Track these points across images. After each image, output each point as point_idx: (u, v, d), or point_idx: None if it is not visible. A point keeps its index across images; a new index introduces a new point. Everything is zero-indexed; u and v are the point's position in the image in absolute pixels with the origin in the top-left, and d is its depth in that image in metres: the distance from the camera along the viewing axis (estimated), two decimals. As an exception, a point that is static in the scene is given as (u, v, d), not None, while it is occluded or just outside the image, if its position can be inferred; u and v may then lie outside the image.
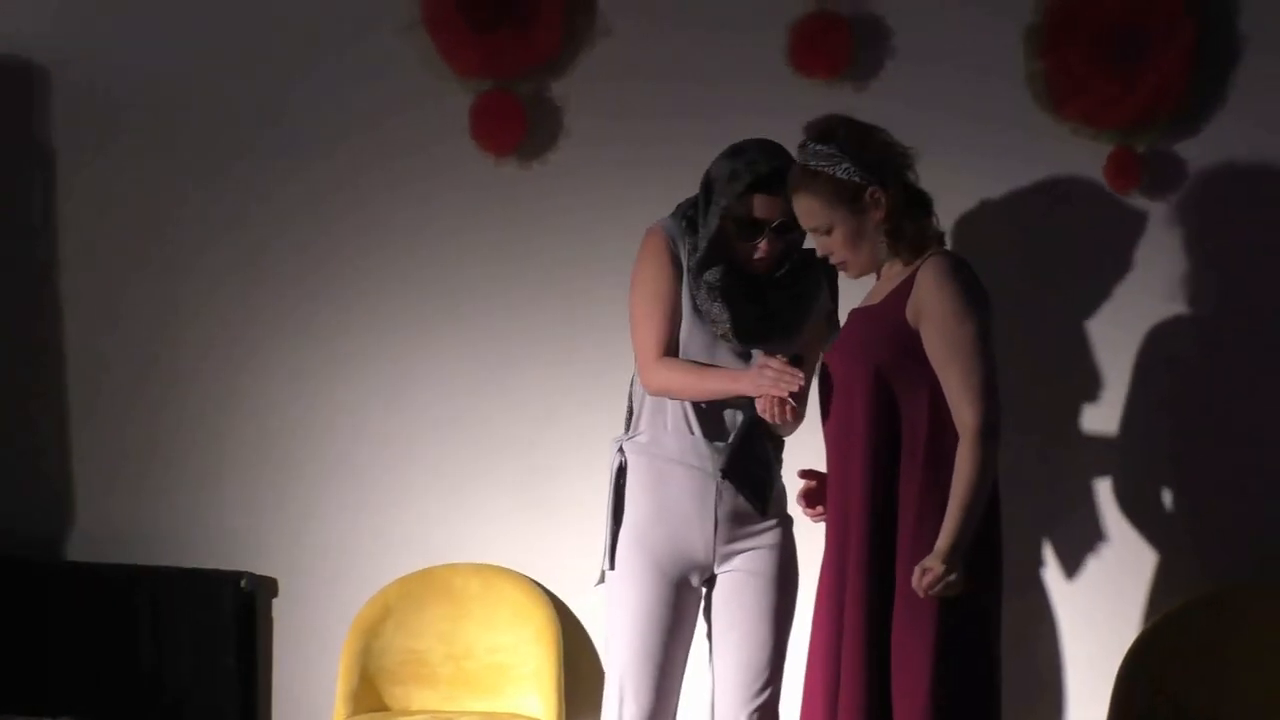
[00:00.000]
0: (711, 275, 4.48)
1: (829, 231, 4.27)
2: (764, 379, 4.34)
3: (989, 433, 4.09)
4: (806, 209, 4.27)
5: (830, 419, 4.32)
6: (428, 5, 5.34)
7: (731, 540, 4.58)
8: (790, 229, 4.46)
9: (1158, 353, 5.09)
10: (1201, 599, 5.03)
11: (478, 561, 5.42)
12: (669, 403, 4.57)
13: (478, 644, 5.35)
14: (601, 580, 4.65)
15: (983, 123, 5.09)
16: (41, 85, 5.63)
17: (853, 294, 4.56)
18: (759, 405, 4.40)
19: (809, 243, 4.46)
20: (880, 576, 4.16)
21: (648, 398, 4.60)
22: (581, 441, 5.30)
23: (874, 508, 4.18)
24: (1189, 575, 5.10)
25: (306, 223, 5.54)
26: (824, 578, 4.32)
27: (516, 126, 5.36)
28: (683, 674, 4.61)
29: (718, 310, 4.49)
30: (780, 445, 4.63)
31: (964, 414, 4.10)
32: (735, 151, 4.52)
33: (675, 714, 4.62)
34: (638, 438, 4.61)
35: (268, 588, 5.58)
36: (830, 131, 4.24)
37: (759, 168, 4.44)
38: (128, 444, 5.67)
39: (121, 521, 5.66)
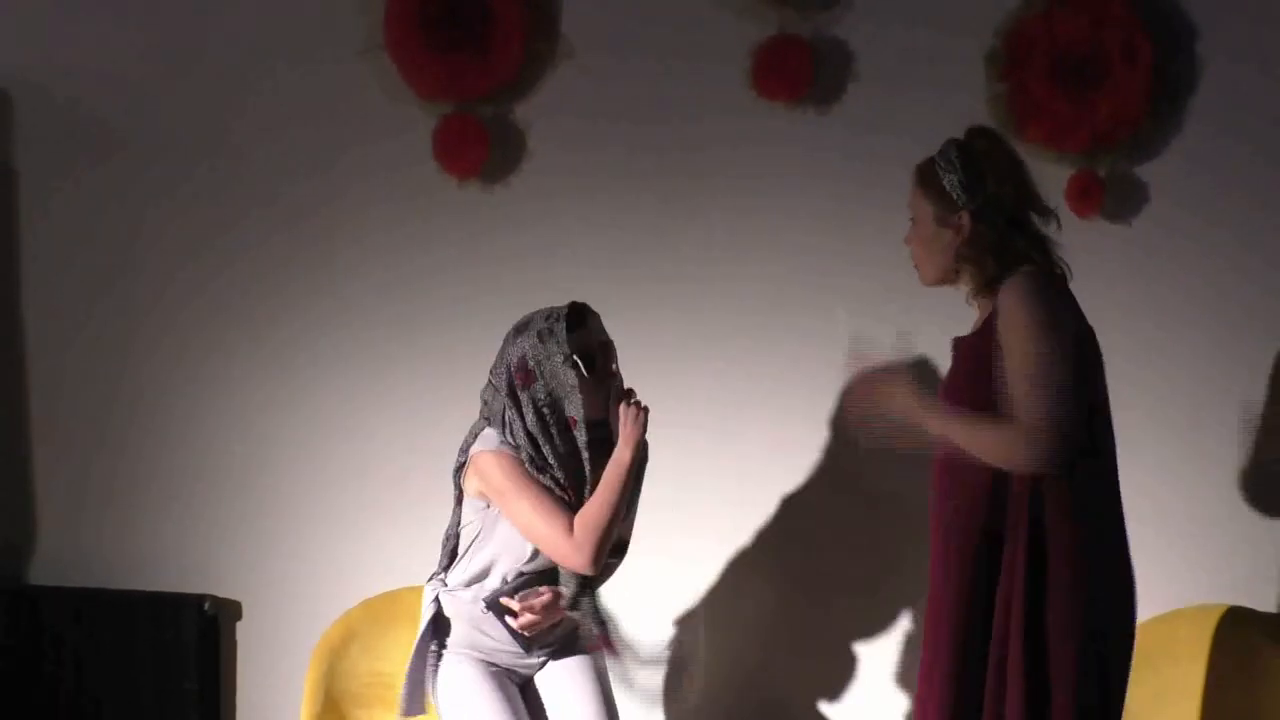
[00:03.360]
0: (580, 436, 4.54)
1: (914, 223, 4.26)
2: (633, 427, 4.49)
3: (1032, 445, 3.99)
4: (912, 192, 4.26)
5: (936, 459, 4.26)
6: (390, 29, 5.34)
7: (549, 664, 4.72)
8: (612, 351, 4.60)
9: (1117, 374, 5.12)
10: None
11: (442, 584, 5.42)
12: (495, 572, 4.62)
13: (443, 666, 5.35)
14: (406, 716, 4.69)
15: (944, 145, 5.12)
16: (4, 109, 5.61)
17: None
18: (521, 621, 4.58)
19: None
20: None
21: (475, 561, 4.63)
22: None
23: (978, 551, 4.14)
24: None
25: (268, 246, 5.53)
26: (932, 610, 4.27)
27: (479, 149, 5.36)
28: None
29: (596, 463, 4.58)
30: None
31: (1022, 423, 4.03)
32: (522, 326, 4.61)
33: None
34: (458, 593, 4.66)
35: (231, 611, 5.57)
36: (968, 143, 4.21)
37: (559, 312, 4.56)
38: (90, 467, 5.65)
39: (84, 544, 5.64)
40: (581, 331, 4.56)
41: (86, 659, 5.56)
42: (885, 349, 4.93)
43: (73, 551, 5.64)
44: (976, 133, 4.26)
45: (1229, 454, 5.14)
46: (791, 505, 5.37)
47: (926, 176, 4.21)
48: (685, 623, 5.44)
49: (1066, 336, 4.06)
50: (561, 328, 4.53)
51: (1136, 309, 4.79)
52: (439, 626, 4.69)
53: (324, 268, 5.51)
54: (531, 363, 4.54)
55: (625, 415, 4.51)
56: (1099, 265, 4.96)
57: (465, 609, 4.65)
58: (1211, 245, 5.11)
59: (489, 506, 4.60)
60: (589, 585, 4.61)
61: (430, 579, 4.74)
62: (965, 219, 4.15)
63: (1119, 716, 4.11)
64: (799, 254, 5.29)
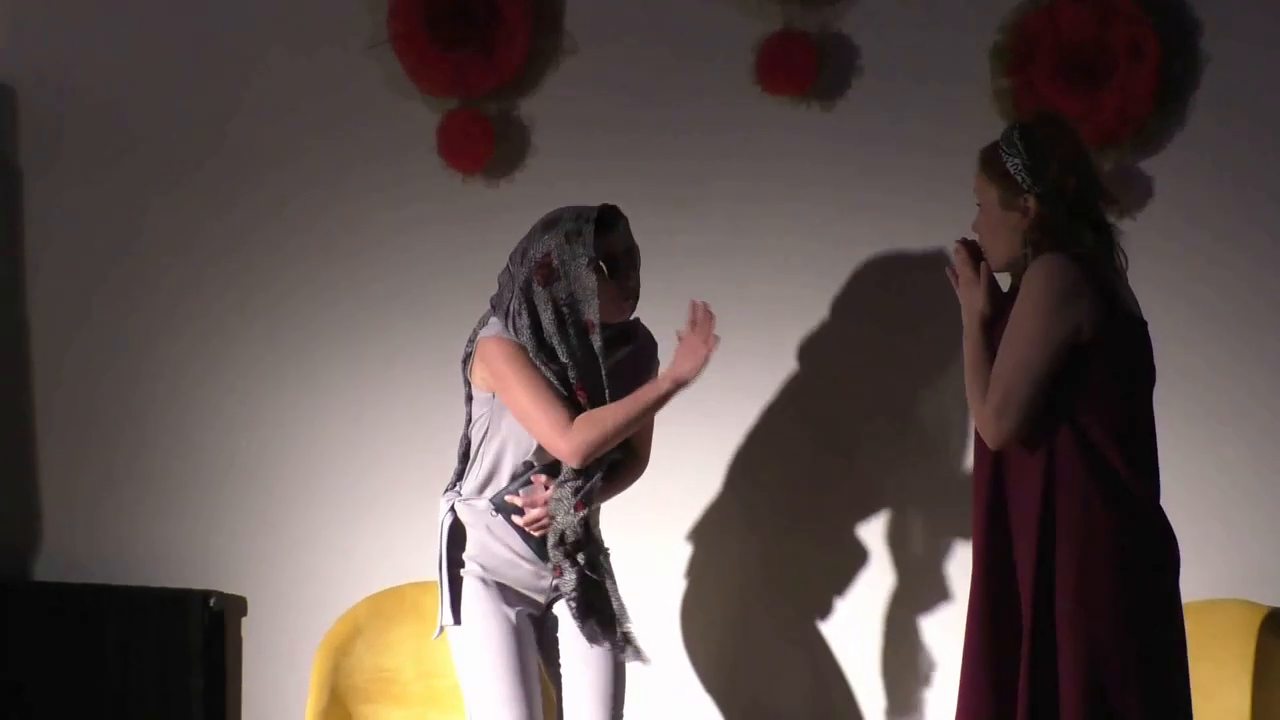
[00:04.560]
0: (596, 340, 4.53)
1: (981, 209, 4.25)
2: (685, 364, 4.46)
3: (985, 420, 4.07)
4: (977, 177, 4.25)
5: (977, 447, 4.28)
6: (395, 24, 5.35)
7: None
8: (636, 258, 4.59)
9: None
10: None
11: (448, 579, 5.42)
12: (504, 467, 4.61)
13: (448, 662, 5.31)
14: (440, 633, 4.68)
15: (949, 141, 5.11)
16: (6, 104, 5.62)
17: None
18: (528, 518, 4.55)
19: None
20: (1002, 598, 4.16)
21: (487, 465, 4.62)
22: (551, 459, 5.31)
23: (993, 523, 4.16)
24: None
25: (274, 242, 5.54)
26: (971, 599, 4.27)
27: (484, 145, 5.37)
28: (540, 705, 4.67)
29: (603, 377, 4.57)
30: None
31: (987, 398, 4.08)
32: (551, 222, 4.57)
33: None
34: (472, 501, 4.64)
35: (237, 607, 5.58)
36: (1032, 127, 4.20)
37: (588, 215, 4.53)
38: (95, 462, 5.66)
39: (89, 540, 5.65)
40: (609, 236, 4.54)
41: (92, 655, 5.57)
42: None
43: (78, 547, 5.65)
44: (1041, 117, 4.28)
45: (1235, 447, 5.14)
46: (792, 501, 5.37)
47: (990, 160, 4.21)
48: (682, 616, 5.46)
49: (1061, 325, 4.05)
50: (590, 230, 4.50)
51: (1142, 303, 4.75)
52: (455, 540, 4.65)
53: (329, 263, 5.52)
54: (555, 261, 4.51)
55: (687, 347, 4.48)
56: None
57: (480, 518, 4.62)
58: (1216, 240, 5.10)
59: (494, 397, 4.59)
60: (584, 481, 4.57)
61: (445, 491, 4.70)
62: (1031, 202, 4.15)
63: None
64: (804, 248, 5.29)
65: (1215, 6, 5.07)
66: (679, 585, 5.43)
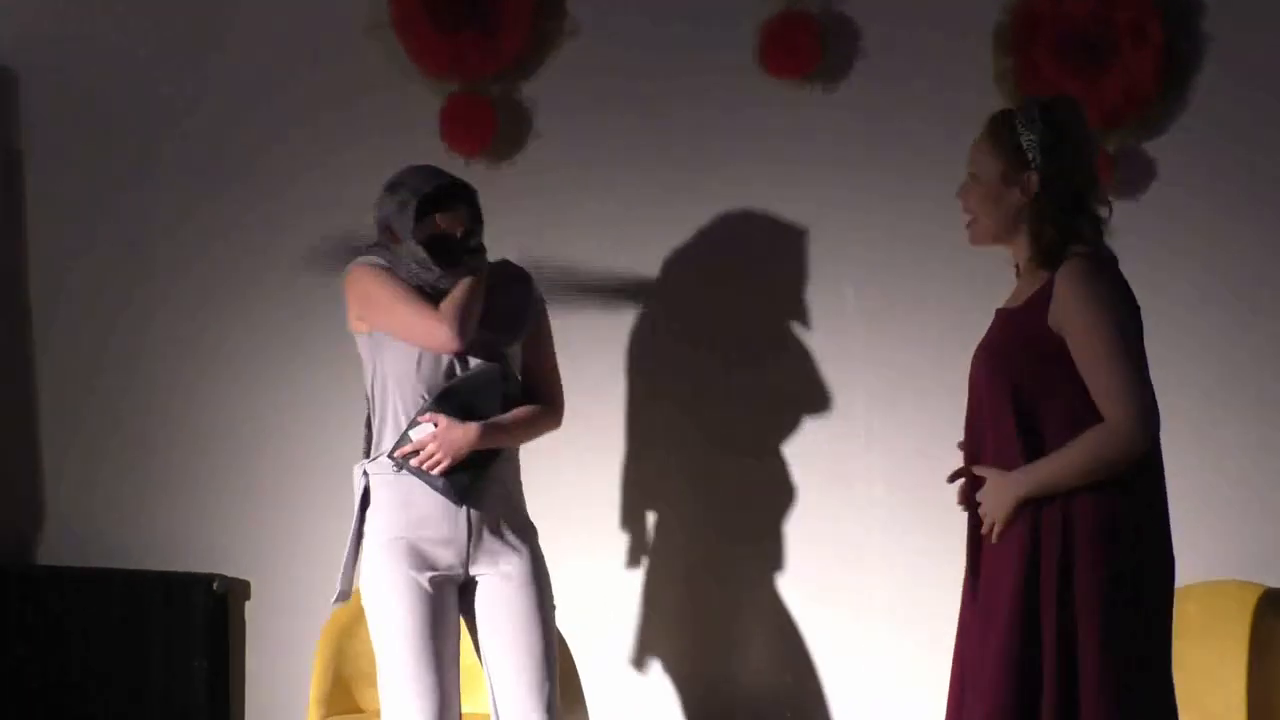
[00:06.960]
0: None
1: (975, 178, 4.13)
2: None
3: (1132, 428, 3.93)
4: (977, 145, 4.13)
5: (966, 427, 4.17)
6: (396, 7, 5.35)
7: (482, 548, 4.61)
8: (478, 237, 4.60)
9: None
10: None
11: (451, 562, 5.42)
12: (400, 415, 4.61)
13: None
14: (337, 601, 4.68)
15: (952, 122, 5.09)
16: (10, 90, 5.61)
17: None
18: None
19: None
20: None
21: (387, 421, 4.62)
22: (552, 437, 5.30)
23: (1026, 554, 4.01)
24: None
25: (275, 226, 5.54)
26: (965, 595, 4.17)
27: (486, 127, 5.37)
28: (458, 671, 4.64)
29: None
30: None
31: (1112, 413, 3.93)
32: (394, 185, 4.59)
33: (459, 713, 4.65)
34: (380, 459, 4.63)
35: (240, 590, 5.59)
36: (1053, 107, 4.08)
37: (421, 189, 4.53)
38: (99, 446, 5.67)
39: (93, 524, 5.66)
40: (441, 216, 4.55)
41: (97, 638, 5.58)
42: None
43: (82, 531, 5.66)
44: (1059, 100, 4.15)
45: (1237, 430, 5.15)
46: (795, 498, 5.37)
47: (1000, 130, 4.08)
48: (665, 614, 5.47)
49: (1128, 307, 4.01)
50: (412, 211, 4.51)
51: (1145, 285, 4.75)
52: (367, 507, 4.64)
53: (331, 247, 5.51)
54: (395, 225, 4.55)
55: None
56: (1107, 241, 4.98)
57: (387, 478, 4.60)
58: (1219, 221, 5.11)
59: (371, 335, 4.60)
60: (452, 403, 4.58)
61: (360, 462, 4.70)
62: (1034, 180, 4.04)
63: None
64: (805, 230, 5.29)
65: (1215, -13, 5.10)
66: (626, 568, 5.46)
